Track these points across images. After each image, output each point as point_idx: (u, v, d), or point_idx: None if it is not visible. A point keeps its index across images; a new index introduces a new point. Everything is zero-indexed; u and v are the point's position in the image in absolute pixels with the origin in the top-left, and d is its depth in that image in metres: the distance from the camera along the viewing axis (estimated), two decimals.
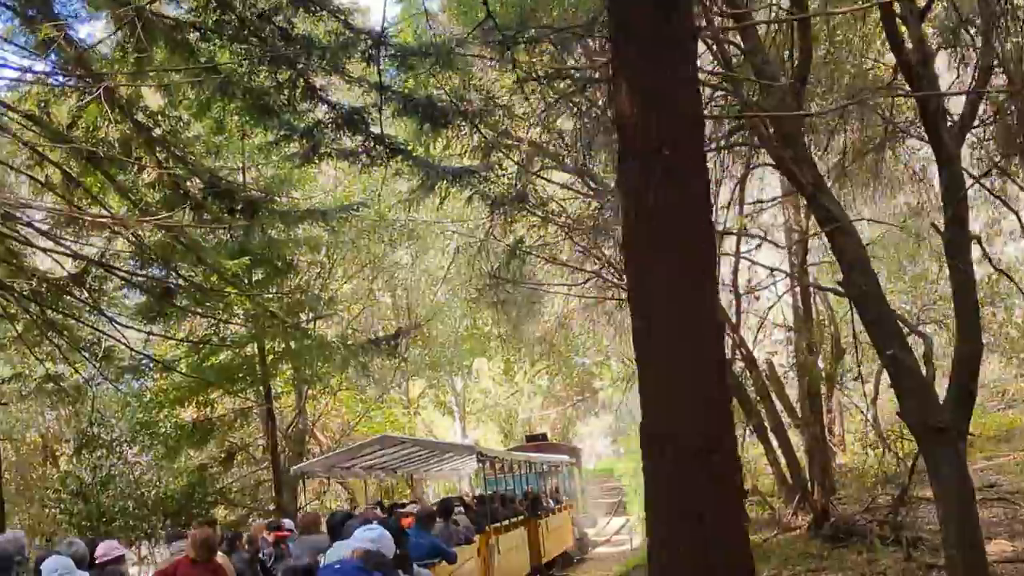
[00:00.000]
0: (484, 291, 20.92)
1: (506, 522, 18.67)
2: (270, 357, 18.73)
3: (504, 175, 18.66)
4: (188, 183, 15.44)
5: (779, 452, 19.89)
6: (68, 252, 14.50)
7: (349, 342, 17.66)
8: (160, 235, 15.79)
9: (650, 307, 5.31)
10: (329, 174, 21.76)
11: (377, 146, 14.36)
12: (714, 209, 20.55)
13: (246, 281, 16.46)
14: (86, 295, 15.04)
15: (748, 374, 20.47)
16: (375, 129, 13.87)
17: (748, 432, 21.85)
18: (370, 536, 6.60)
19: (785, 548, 17.32)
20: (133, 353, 16.59)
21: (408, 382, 34.66)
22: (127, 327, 16.37)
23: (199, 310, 16.64)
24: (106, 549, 9.15)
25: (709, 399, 5.17)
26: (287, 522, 13.37)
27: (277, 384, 20.24)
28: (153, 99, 15.63)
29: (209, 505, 18.97)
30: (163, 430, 18.42)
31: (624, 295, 21.57)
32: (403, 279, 27.92)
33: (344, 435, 25.29)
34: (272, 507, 19.39)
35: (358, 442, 26.72)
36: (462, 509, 16.67)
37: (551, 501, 25.56)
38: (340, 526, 9.18)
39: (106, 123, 13.62)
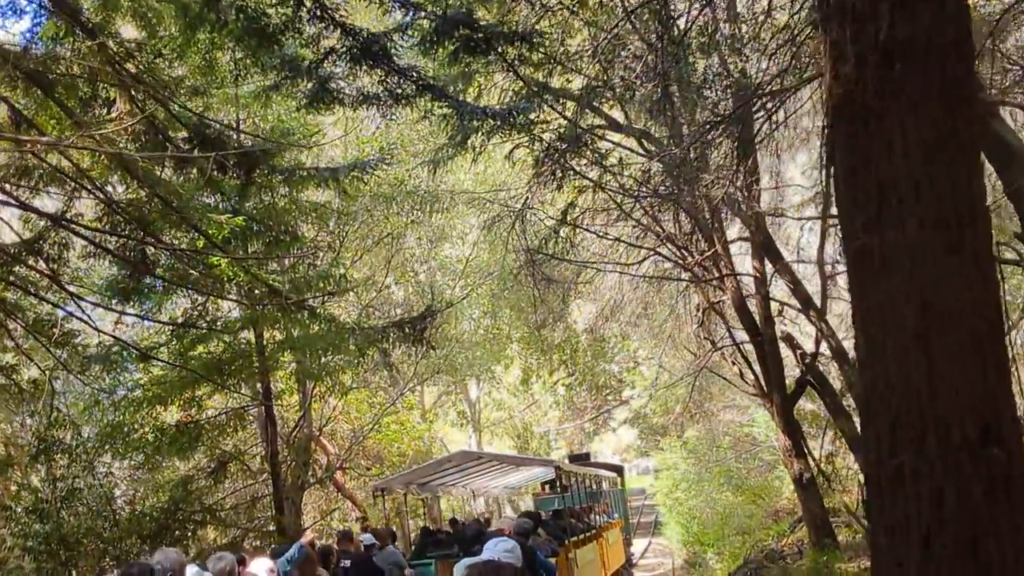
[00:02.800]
0: (521, 270, 18.18)
1: (581, 536, 19.05)
2: (269, 347, 15.95)
3: (551, 128, 16.14)
4: (170, 132, 12.97)
5: None
6: (17, 203, 11.86)
7: (366, 325, 14.85)
8: (133, 188, 13.22)
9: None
10: (337, 132, 18.86)
11: (402, 82, 11.93)
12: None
13: (241, 252, 13.65)
14: (43, 265, 12.55)
15: (839, 369, 17.77)
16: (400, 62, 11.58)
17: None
18: (505, 547, 6.47)
19: None
20: (102, 338, 13.87)
21: (423, 387, 31.87)
22: (95, 306, 13.71)
23: (183, 284, 13.93)
24: (257, 568, 9.39)
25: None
26: (367, 536, 14.37)
27: (278, 380, 17.35)
28: (128, 31, 13.09)
29: (196, 525, 16.05)
30: (140, 434, 15.45)
31: (685, 274, 18.99)
32: (425, 257, 25.11)
33: (355, 443, 22.36)
34: (272, 527, 16.56)
35: (376, 452, 24.45)
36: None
37: (605, 517, 25.63)
38: (474, 541, 9.59)
39: (68, 43, 11.26)
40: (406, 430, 25.36)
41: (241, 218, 12.92)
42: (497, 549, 6.46)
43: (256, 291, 13.68)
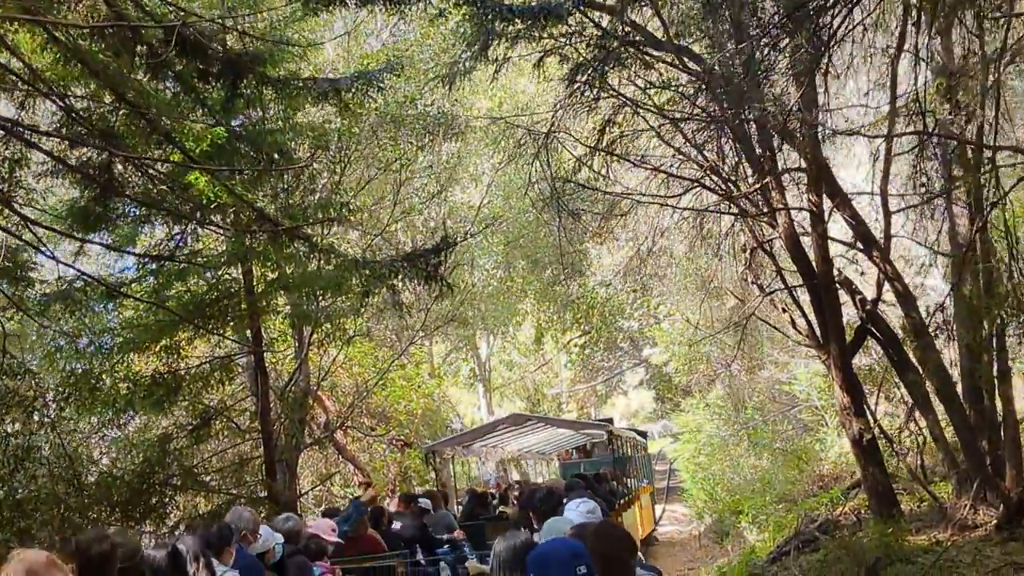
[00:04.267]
0: (546, 206, 16.23)
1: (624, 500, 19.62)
2: (260, 286, 14.05)
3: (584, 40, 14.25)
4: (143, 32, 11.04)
5: (945, 422, 15.26)
6: None
7: (372, 259, 12.92)
8: (97, 93, 11.32)
9: None
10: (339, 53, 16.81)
11: None
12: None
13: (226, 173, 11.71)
14: None
15: (907, 320, 15.83)
16: None
17: (902, 396, 17.21)
18: (588, 508, 6.88)
19: (965, 555, 12.92)
20: (63, 272, 12.04)
21: (431, 343, 30.00)
22: (53, 232, 11.87)
23: (157, 208, 12.06)
24: (318, 529, 9.94)
25: None
26: (424, 500, 14.80)
27: (270, 326, 15.40)
28: None
29: (174, 490, 14.14)
30: (110, 385, 13.50)
31: (731, 209, 17.04)
32: (435, 198, 23.07)
33: (358, 399, 20.33)
34: (263, 494, 14.70)
35: (381, 410, 22.72)
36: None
37: (636, 482, 26.18)
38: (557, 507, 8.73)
39: None
40: (415, 386, 23.49)
41: (222, 129, 11.03)
42: (580, 510, 6.90)
43: (243, 217, 11.78)
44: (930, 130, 13.23)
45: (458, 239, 14.35)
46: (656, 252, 18.09)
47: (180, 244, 13.28)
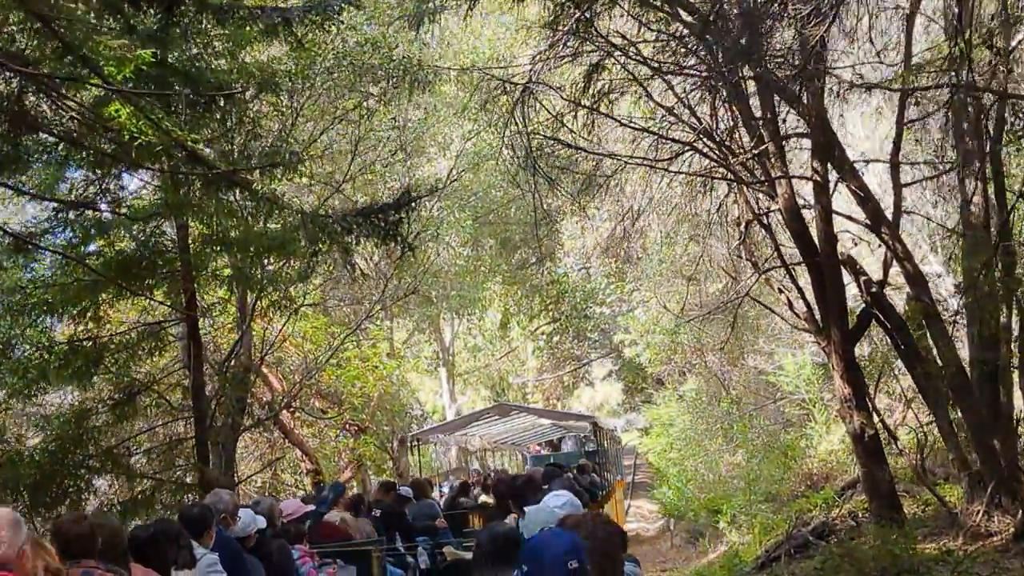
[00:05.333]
0: (522, 165, 14.68)
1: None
2: (195, 245, 12.46)
3: None
4: None
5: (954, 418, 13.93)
6: None
7: (322, 213, 11.34)
8: None
9: None
10: None
11: None
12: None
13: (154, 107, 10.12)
14: None
15: (914, 304, 14.47)
16: None
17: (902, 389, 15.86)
18: (566, 500, 6.84)
19: (981, 568, 11.59)
20: None
21: (392, 322, 28.38)
22: None
23: (80, 145, 10.49)
24: (293, 508, 10.59)
25: None
26: (405, 489, 14.66)
27: (208, 291, 13.75)
28: None
29: (92, 472, 12.54)
30: (20, 353, 11.89)
31: (730, 176, 15.63)
32: (401, 147, 21.39)
33: (307, 377, 18.61)
34: (193, 480, 13.14)
35: (334, 391, 21.22)
36: None
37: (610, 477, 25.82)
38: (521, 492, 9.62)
39: None
40: (371, 367, 21.85)
41: (149, 53, 9.46)
42: (560, 502, 6.76)
43: (173, 158, 10.20)
44: (959, 84, 11.74)
45: (422, 194, 12.74)
46: (640, 227, 16.54)
47: (103, 192, 11.65)
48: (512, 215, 28.86)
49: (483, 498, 18.24)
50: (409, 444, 24.65)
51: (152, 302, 13.37)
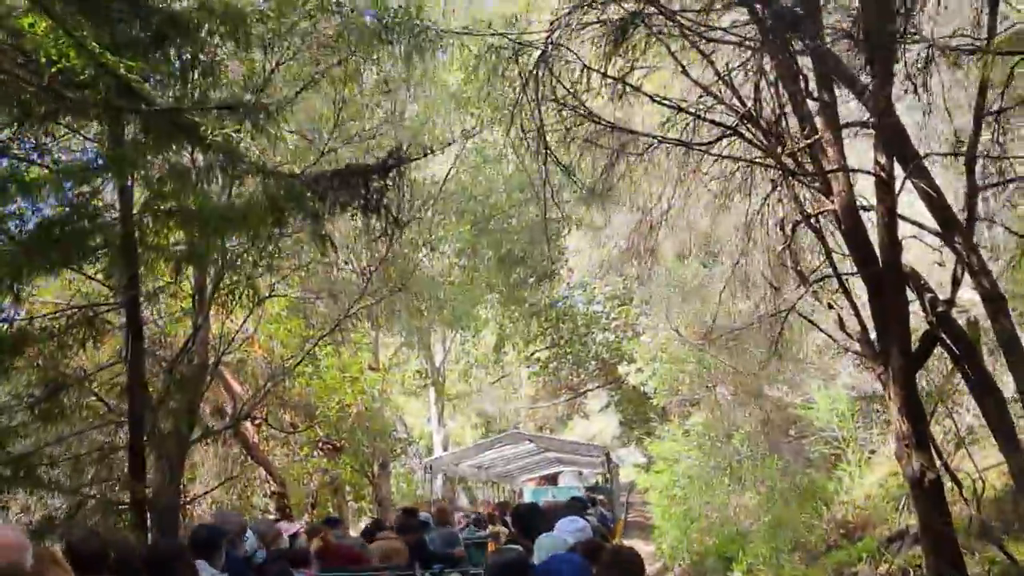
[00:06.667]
0: (535, 146, 12.63)
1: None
2: (139, 213, 10.38)
3: None
4: None
5: None
6: None
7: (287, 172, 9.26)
8: None
9: None
10: None
11: None
12: None
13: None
14: None
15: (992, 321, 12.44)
16: None
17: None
18: (577, 527, 7.43)
19: None
20: None
21: (376, 330, 26.15)
22: None
23: None
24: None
25: None
26: (425, 515, 14.54)
27: (157, 271, 11.45)
28: None
29: (6, 483, 10.42)
30: None
31: (770, 172, 13.61)
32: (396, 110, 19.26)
33: (274, 383, 16.15)
34: (126, 496, 11.00)
35: (306, 403, 19.18)
36: None
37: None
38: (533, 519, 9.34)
39: None
40: (352, 378, 19.57)
41: None
42: (571, 528, 7.54)
43: (100, 91, 8.17)
44: None
45: (412, 157, 10.58)
46: (659, 236, 14.36)
47: (18, 139, 9.60)
48: (513, 224, 26.84)
49: (497, 528, 18.16)
50: (425, 473, 25.14)
51: (87, 281, 11.27)
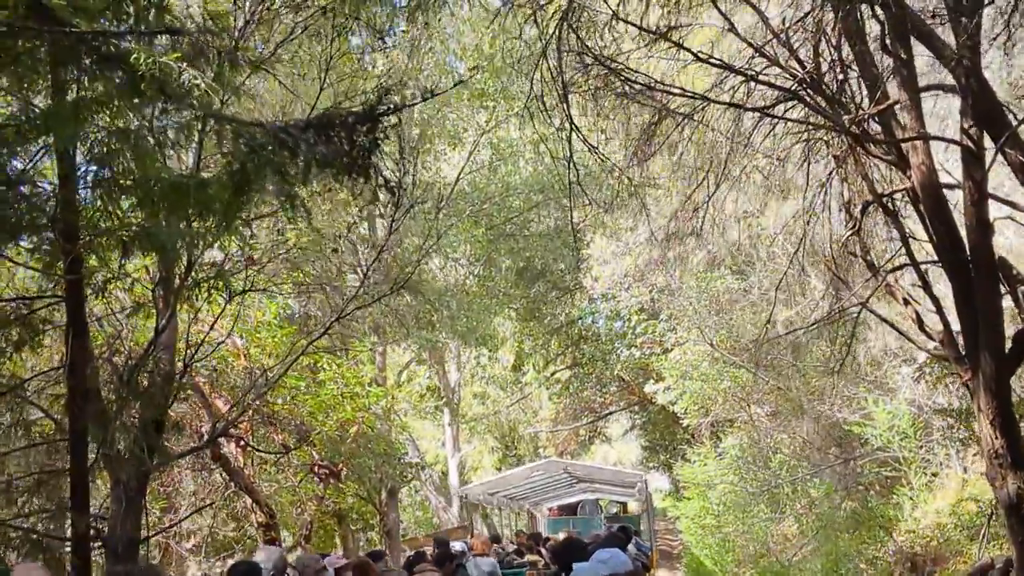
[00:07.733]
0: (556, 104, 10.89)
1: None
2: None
3: None
4: None
5: None
6: None
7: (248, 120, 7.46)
8: None
9: None
10: None
11: None
12: None
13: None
14: None
15: None
16: None
17: None
18: (610, 555, 7.40)
19: None
20: None
21: (382, 340, 24.21)
22: None
23: None
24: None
25: None
26: (458, 545, 14.86)
27: (101, 255, 9.57)
28: None
29: None
30: None
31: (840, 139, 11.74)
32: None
33: (257, 395, 14.00)
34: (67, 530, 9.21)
35: (298, 421, 17.25)
36: None
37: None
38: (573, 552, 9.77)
39: None
40: (351, 393, 17.62)
41: None
42: (605, 556, 7.54)
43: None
44: None
45: (409, 102, 8.76)
46: (715, 200, 12.49)
47: None
48: (532, 230, 25.07)
49: (530, 556, 18.61)
50: (462, 503, 25.90)
51: (15, 264, 9.50)
